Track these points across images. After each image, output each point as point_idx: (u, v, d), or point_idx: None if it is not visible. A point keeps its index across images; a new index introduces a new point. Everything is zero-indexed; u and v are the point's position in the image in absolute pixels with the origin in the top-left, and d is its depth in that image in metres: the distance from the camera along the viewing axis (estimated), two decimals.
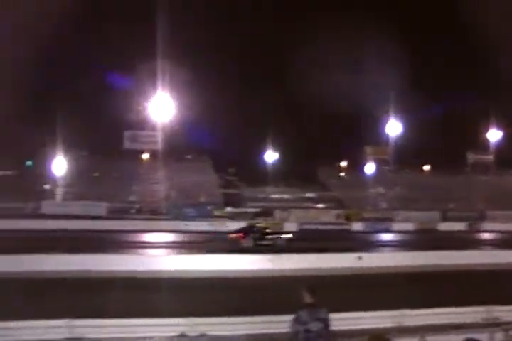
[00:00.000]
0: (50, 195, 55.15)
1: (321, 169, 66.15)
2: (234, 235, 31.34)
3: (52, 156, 58.49)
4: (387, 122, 67.94)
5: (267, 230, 32.36)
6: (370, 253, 26.98)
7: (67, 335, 12.47)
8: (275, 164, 68.09)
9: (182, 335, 12.29)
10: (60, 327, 12.74)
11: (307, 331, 7.36)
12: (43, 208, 46.75)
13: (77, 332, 12.53)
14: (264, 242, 30.48)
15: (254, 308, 13.83)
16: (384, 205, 59.20)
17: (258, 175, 63.37)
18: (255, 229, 32.32)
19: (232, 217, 48.52)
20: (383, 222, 48.74)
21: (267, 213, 49.01)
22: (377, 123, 68.03)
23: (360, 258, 23.63)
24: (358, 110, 64.46)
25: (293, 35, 66.11)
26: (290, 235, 32.68)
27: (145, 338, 11.88)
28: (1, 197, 48.96)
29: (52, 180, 58.34)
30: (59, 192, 55.51)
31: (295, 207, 53.12)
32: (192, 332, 12.42)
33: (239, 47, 64.32)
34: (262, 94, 65.76)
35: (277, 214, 49.81)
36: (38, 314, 13.00)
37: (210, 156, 64.01)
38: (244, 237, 30.77)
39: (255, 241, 30.54)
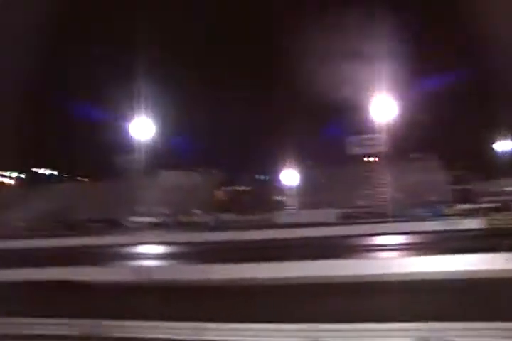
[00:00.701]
0: (283, 205, 58.14)
1: None
2: None
3: (282, 169, 61.73)
4: None
5: None
6: None
7: (303, 339, 13.01)
8: (508, 154, 62.57)
9: None
10: (301, 330, 13.41)
11: None
12: (276, 218, 49.39)
13: (313, 336, 13.02)
14: None
15: (499, 313, 12.90)
16: None
17: (489, 168, 58.85)
18: None
19: (465, 214, 45.87)
20: None
21: (504, 208, 45.30)
22: None
23: None
24: None
25: None
26: None
27: None
28: (240, 210, 53.42)
29: (286, 191, 61.47)
30: (290, 202, 58.21)
31: None
32: (433, 339, 11.99)
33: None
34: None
35: None
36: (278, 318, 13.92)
37: (437, 152, 61.45)
38: None
39: None
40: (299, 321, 13.64)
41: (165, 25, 59.94)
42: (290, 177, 62.00)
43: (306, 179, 61.35)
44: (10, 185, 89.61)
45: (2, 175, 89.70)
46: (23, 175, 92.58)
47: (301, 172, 61.98)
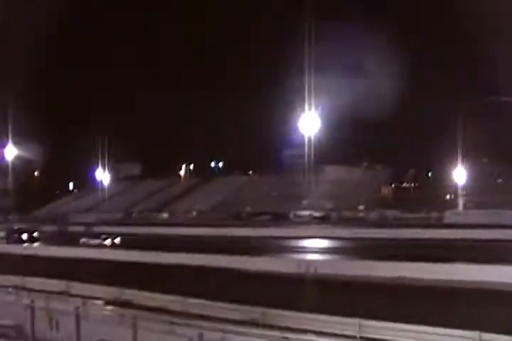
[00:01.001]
0: (453, 204, 55.57)
1: None
2: None
3: (452, 166, 59.01)
4: None
5: None
6: None
7: None
8: None
9: None
10: (463, 337, 13.01)
11: None
12: (446, 218, 47.21)
13: None
14: None
15: None
16: None
17: None
18: None
19: None
20: None
21: None
22: None
23: None
24: None
25: None
26: None
27: None
28: (404, 207, 52.15)
29: (454, 189, 58.76)
30: (461, 201, 55.44)
31: None
32: None
33: None
34: None
35: None
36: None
37: None
38: None
39: None
40: (459, 326, 13.28)
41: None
42: (458, 175, 58.87)
43: (479, 177, 57.91)
44: (182, 176, 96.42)
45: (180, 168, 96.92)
46: (192, 167, 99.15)
47: (473, 170, 58.56)
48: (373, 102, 60.10)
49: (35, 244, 44.91)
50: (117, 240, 40.62)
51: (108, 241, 40.20)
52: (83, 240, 41.93)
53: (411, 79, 60.75)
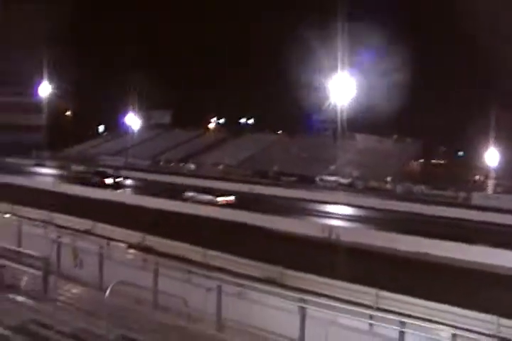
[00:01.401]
0: (482, 186, 54.61)
1: None
2: None
3: (484, 148, 57.68)
4: None
5: None
6: None
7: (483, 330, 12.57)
8: None
9: None
10: (483, 321, 13.00)
11: None
12: (474, 199, 46.39)
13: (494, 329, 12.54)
14: None
15: None
16: None
17: None
18: None
19: None
20: None
21: None
22: None
23: None
24: None
25: None
26: None
27: None
28: (432, 184, 51.51)
29: (485, 171, 57.61)
30: (491, 184, 54.34)
31: None
32: None
33: None
34: None
35: None
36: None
37: None
38: None
39: None
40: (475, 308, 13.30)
41: None
42: (490, 158, 57.23)
43: (508, 162, 56.32)
44: (211, 129, 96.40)
45: (210, 121, 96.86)
46: (222, 122, 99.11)
47: (502, 154, 56.87)
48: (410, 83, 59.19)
49: (119, 191, 43.34)
50: (231, 198, 35.72)
51: (221, 199, 35.26)
52: (189, 194, 36.51)
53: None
